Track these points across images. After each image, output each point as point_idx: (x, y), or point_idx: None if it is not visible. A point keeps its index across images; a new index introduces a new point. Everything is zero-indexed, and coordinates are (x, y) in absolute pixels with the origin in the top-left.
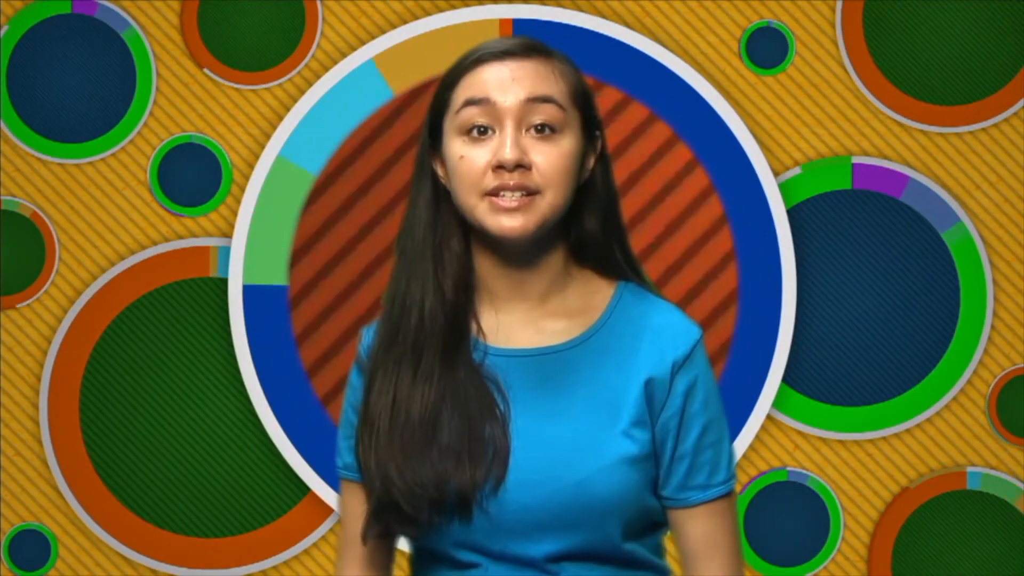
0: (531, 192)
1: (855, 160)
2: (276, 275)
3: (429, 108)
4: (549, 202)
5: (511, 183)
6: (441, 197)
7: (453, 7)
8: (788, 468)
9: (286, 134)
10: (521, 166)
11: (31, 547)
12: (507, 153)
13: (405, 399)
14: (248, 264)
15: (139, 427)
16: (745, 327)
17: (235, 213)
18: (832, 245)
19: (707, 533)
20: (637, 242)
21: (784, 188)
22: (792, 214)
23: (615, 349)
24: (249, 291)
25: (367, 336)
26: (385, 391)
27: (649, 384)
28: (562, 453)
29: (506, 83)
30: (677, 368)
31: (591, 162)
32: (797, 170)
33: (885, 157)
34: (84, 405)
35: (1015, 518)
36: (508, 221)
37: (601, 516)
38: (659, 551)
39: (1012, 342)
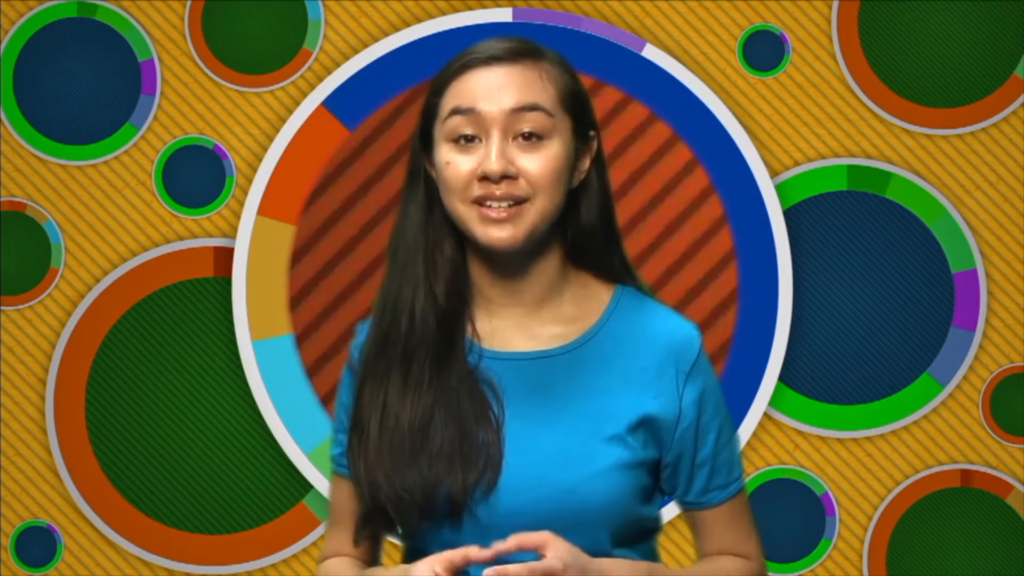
0: (519, 201)
1: (850, 161)
2: (278, 275)
3: (420, 113)
4: (538, 209)
5: (497, 193)
6: (434, 202)
7: (455, 10)
8: (785, 466)
9: (289, 135)
10: (507, 176)
11: (37, 544)
12: (492, 164)
13: (395, 406)
14: (251, 264)
15: (144, 426)
16: (745, 327)
17: (238, 215)
18: (828, 245)
19: (729, 520)
20: (637, 242)
21: (781, 189)
22: (789, 215)
23: (611, 355)
24: (251, 291)
25: (361, 333)
26: (375, 398)
27: (654, 396)
28: (554, 458)
29: (492, 92)
30: (684, 379)
31: (586, 164)
32: (794, 171)
33: (880, 158)
34: (89, 404)
35: (1009, 516)
36: (496, 232)
37: (591, 522)
38: (653, 557)
39: (1010, 340)
